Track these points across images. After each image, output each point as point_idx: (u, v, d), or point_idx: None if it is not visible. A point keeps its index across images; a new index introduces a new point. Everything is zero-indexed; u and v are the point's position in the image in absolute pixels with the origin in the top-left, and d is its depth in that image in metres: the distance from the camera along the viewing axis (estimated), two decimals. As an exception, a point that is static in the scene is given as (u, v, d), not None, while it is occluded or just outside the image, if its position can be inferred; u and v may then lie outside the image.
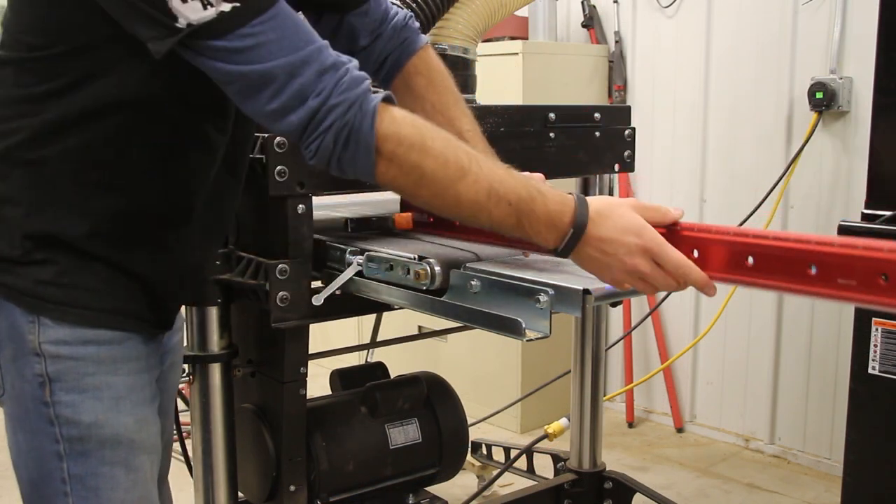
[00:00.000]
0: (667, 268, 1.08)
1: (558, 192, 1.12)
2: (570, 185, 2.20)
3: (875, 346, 1.84)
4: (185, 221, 1.23)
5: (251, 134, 1.37)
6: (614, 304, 2.51)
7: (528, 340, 1.19)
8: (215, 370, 1.60)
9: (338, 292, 1.50)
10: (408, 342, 2.24)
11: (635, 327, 3.41)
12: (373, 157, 1.07)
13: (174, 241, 1.23)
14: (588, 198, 1.12)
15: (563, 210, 1.10)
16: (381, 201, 1.89)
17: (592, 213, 1.10)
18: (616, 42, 3.48)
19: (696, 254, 1.11)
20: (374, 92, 1.09)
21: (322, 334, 2.32)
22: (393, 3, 1.56)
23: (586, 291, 1.18)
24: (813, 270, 1.00)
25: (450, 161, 1.09)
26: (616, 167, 2.04)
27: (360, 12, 1.38)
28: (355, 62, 1.09)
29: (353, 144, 1.06)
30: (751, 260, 1.06)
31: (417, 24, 1.44)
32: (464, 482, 2.85)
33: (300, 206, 1.52)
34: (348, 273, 1.48)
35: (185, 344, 1.53)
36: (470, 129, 1.41)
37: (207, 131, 1.21)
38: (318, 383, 2.15)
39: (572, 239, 1.10)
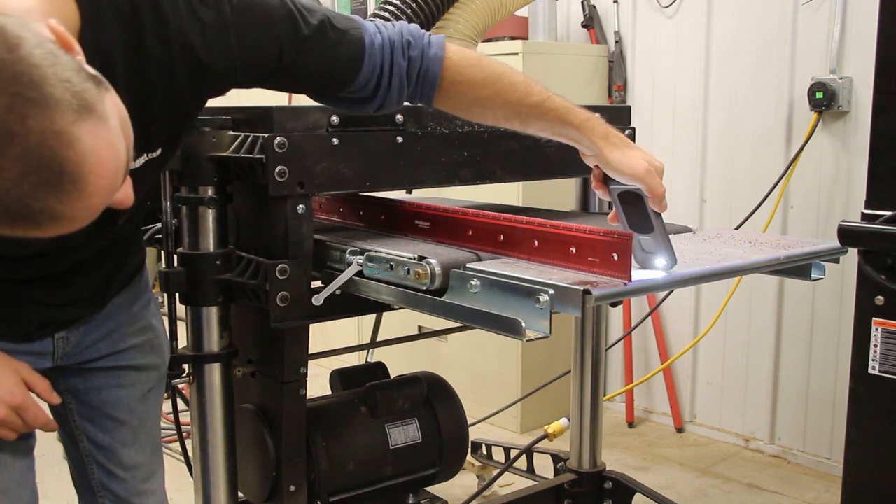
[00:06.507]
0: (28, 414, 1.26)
1: None
2: (571, 184, 2.20)
3: (875, 346, 1.84)
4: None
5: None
6: (614, 304, 2.50)
7: (528, 340, 1.19)
8: (215, 370, 1.60)
9: (338, 292, 1.50)
10: (408, 342, 2.24)
11: (635, 327, 3.40)
12: None
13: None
14: None
15: None
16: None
17: None
18: (616, 42, 3.48)
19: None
20: None
21: (322, 334, 2.32)
22: (383, 15, 1.52)
23: (586, 291, 1.18)
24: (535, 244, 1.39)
25: None
26: (616, 167, 2.03)
27: (349, 89, 1.33)
28: None
29: None
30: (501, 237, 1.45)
31: (419, 35, 1.36)
32: (464, 482, 2.84)
33: (300, 206, 1.52)
34: (348, 273, 1.48)
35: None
36: (538, 94, 1.45)
37: None
38: (318, 383, 2.15)
39: None
